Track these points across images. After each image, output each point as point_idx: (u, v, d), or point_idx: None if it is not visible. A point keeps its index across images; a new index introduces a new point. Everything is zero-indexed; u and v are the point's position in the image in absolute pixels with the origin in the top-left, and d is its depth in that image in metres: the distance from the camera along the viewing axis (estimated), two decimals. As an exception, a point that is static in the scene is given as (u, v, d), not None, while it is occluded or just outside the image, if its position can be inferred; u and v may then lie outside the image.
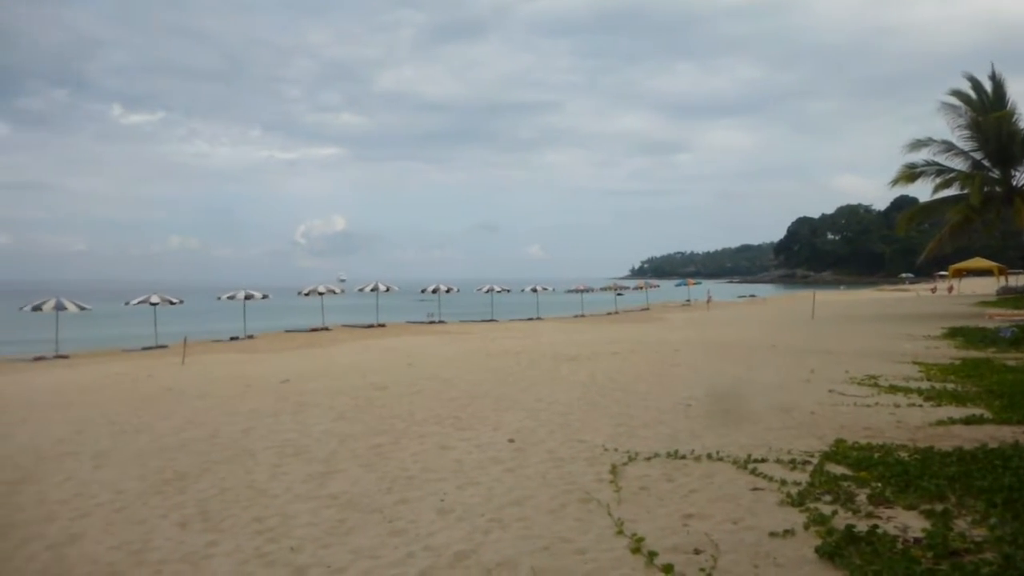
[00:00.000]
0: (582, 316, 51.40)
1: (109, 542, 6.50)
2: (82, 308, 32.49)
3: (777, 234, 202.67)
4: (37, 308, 31.24)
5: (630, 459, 8.48)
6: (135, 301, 35.02)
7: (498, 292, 51.44)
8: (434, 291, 48.60)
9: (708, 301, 66.25)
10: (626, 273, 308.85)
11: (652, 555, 5.44)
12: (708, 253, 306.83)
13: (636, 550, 5.60)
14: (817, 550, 5.34)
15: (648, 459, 8.47)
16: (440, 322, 46.31)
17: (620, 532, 6.04)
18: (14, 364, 27.20)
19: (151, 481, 8.43)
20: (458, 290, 50.87)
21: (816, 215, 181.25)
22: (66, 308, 31.11)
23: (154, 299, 34.73)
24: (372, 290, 44.92)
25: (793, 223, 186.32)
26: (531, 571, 5.36)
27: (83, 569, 5.90)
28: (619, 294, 65.37)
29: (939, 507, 6.20)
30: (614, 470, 8.03)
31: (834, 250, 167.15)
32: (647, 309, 59.28)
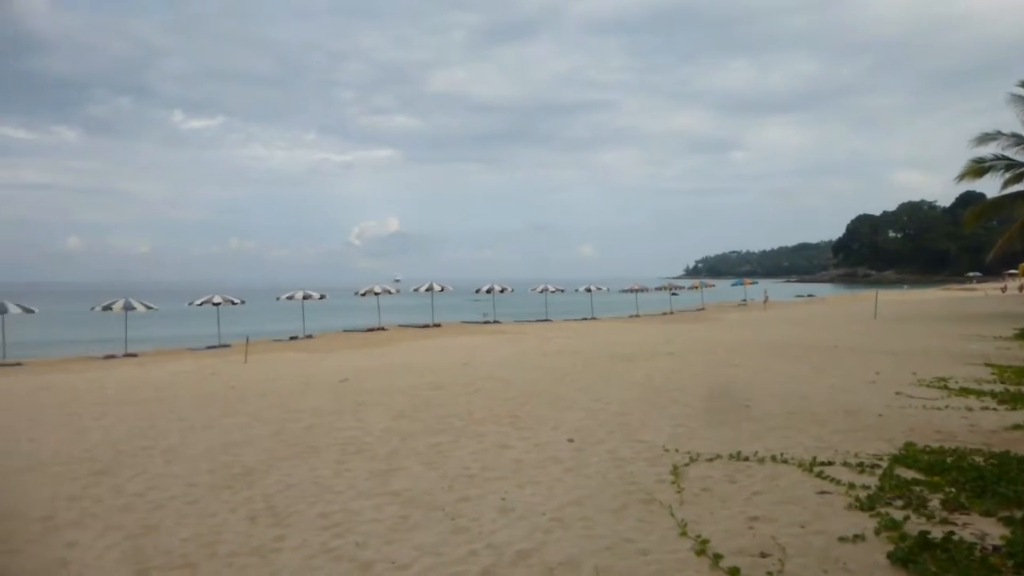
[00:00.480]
0: (637, 316, 51.03)
1: (182, 534, 6.70)
2: (149, 308, 33.51)
3: (835, 232, 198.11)
4: (107, 308, 32.34)
5: (691, 460, 8.40)
6: (198, 301, 35.98)
7: (552, 292, 51.39)
8: (488, 291, 48.80)
9: (765, 301, 65.14)
10: (680, 273, 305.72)
11: (717, 558, 5.38)
12: (764, 252, 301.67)
13: (701, 552, 5.55)
14: (889, 556, 5.21)
15: (710, 460, 8.37)
16: (495, 322, 46.50)
17: (684, 533, 5.99)
18: (87, 362, 28.25)
19: (220, 476, 8.66)
20: (512, 290, 50.98)
21: (877, 212, 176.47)
22: (134, 308, 32.14)
23: (216, 299, 35.64)
24: (427, 290, 45.33)
25: (852, 221, 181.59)
26: (594, 571, 5.35)
27: (159, 560, 6.09)
28: (674, 294, 64.70)
29: (1018, 514, 6.00)
30: (675, 471, 7.96)
31: (896, 248, 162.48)
32: (702, 309, 58.56)
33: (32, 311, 31.21)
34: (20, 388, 18.63)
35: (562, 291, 53.26)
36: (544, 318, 48.48)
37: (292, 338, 37.43)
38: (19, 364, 27.67)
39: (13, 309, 29.42)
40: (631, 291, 59.75)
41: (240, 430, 11.37)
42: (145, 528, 6.92)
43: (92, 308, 33.60)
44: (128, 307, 31.97)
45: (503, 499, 7.27)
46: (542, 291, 51.03)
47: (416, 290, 46.95)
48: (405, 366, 20.69)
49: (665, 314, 53.92)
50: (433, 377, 17.14)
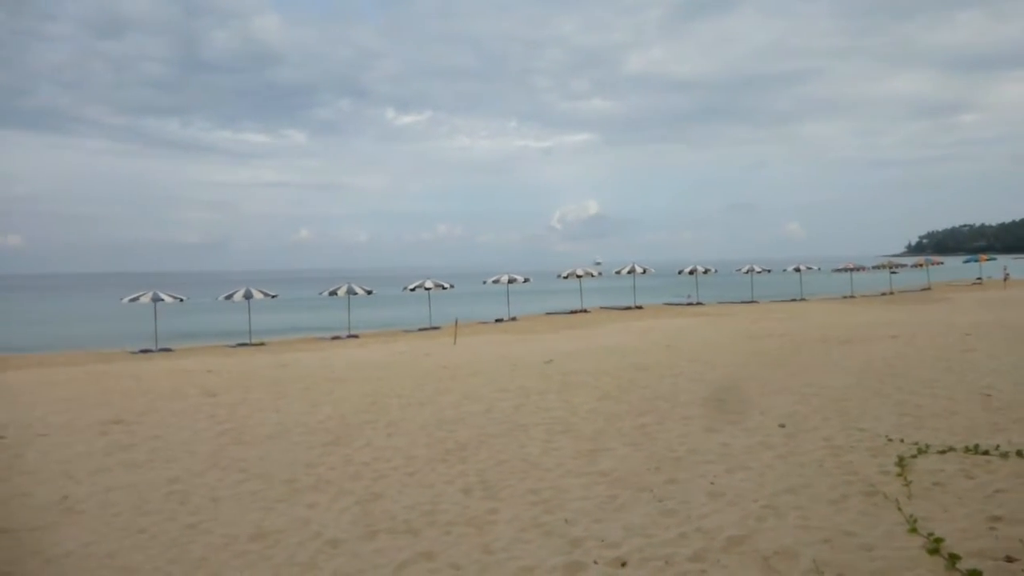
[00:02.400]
0: (851, 297, 47.72)
1: (404, 502, 7.22)
2: (369, 292, 36.07)
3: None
4: (333, 293, 35.22)
5: (920, 452, 7.75)
6: (412, 286, 38.21)
7: (758, 273, 49.31)
8: (691, 272, 47.74)
9: (1005, 279, 58.30)
10: (901, 250, 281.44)
11: (954, 558, 4.95)
12: (1003, 225, 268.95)
13: (934, 551, 5.13)
14: None
15: (941, 453, 7.69)
16: (698, 303, 45.43)
17: (913, 530, 5.56)
18: (317, 342, 31.02)
19: (436, 450, 9.20)
20: (716, 271, 49.49)
21: None
22: (356, 293, 34.75)
23: (428, 284, 37.66)
24: (629, 272, 45.13)
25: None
26: (812, 563, 5.11)
27: (384, 524, 6.60)
28: (893, 272, 59.65)
29: None
30: (901, 462, 7.39)
31: None
32: (928, 289, 53.55)
33: (274, 296, 34.67)
34: (264, 365, 20.81)
35: (768, 271, 50.94)
36: (749, 299, 46.62)
37: (498, 320, 38.79)
38: (262, 344, 30.92)
39: (257, 295, 32.86)
40: (844, 270, 55.87)
41: (453, 408, 11.99)
42: (372, 495, 7.52)
43: (320, 293, 36.74)
44: (350, 292, 34.61)
45: (712, 483, 7.14)
46: (747, 272, 49.11)
47: (618, 272, 46.88)
48: (608, 348, 20.78)
49: (884, 294, 49.96)
50: (637, 359, 17.09)
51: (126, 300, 31.50)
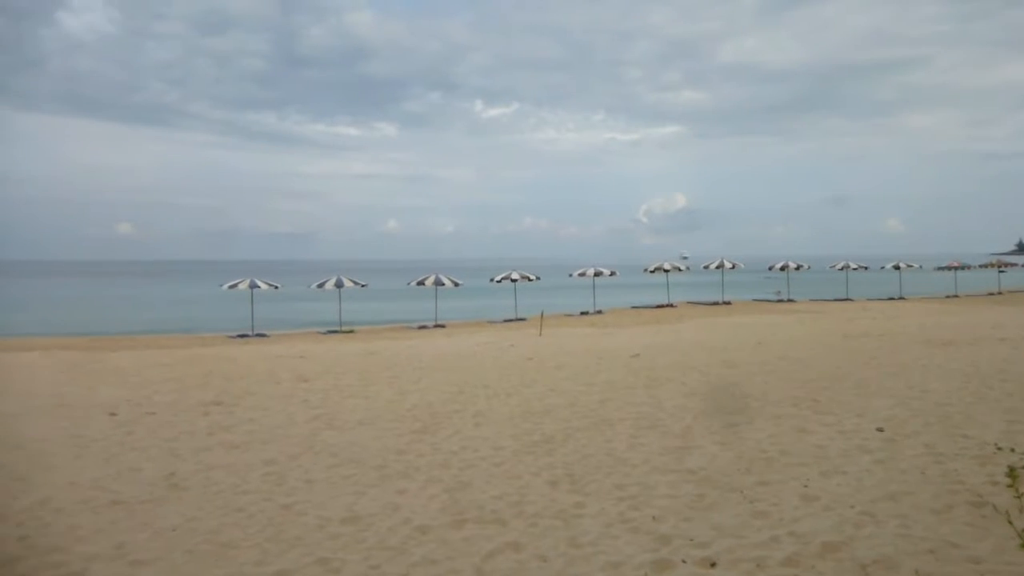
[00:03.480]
0: (955, 296, 45.46)
1: (491, 492, 7.29)
2: (456, 284, 36.51)
3: None
4: (420, 283, 35.80)
5: (1033, 462, 7.33)
6: (498, 278, 38.45)
7: (854, 269, 47.49)
8: (782, 268, 46.39)
9: None
10: (1010, 248, 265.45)
11: (1071, 575, 4.67)
12: None
13: (1049, 567, 4.85)
14: None
15: (1057, 464, 7.24)
16: (789, 300, 44.15)
17: (1025, 544, 5.26)
18: (405, 331, 31.63)
19: (523, 442, 9.26)
20: (808, 267, 47.91)
21: None
22: (443, 284, 35.22)
23: (515, 276, 37.83)
24: (717, 267, 44.20)
25: None
26: (915, 574, 4.91)
27: (472, 513, 6.69)
28: (1002, 271, 56.37)
29: None
30: (1013, 473, 6.96)
31: None
32: (1043, 289, 50.45)
33: (363, 285, 35.50)
34: (354, 353, 21.35)
35: (865, 268, 48.98)
36: (844, 297, 44.99)
37: (583, 313, 38.66)
38: (352, 332, 31.73)
39: (348, 284, 33.72)
40: (948, 268, 53.23)
41: (539, 400, 12.03)
42: (459, 484, 7.62)
43: (408, 283, 37.41)
44: (438, 283, 35.12)
45: (805, 486, 6.94)
46: (842, 268, 47.33)
47: (706, 267, 45.98)
48: (696, 343, 20.44)
49: (991, 295, 47.39)
50: (725, 355, 16.75)
51: (225, 287, 32.83)
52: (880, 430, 9.01)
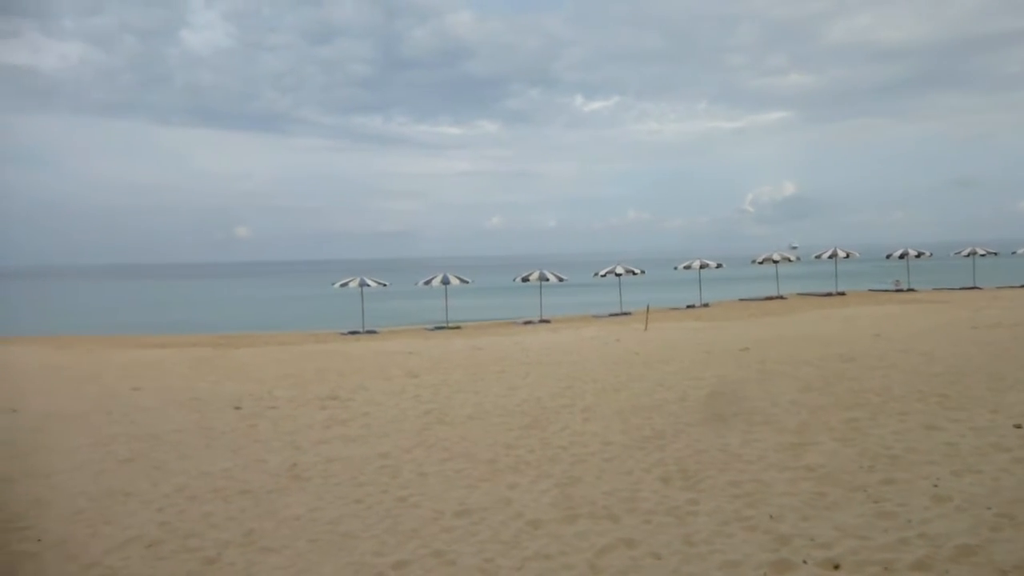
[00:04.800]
0: (1101, 283, 42.06)
1: (602, 488, 7.27)
2: (561, 280, 36.51)
3: None
4: (525, 279, 36.01)
5: None
6: (602, 272, 38.21)
7: (982, 255, 44.55)
8: (901, 256, 44.04)
9: None
10: None
11: None
12: None
13: None
14: None
15: None
16: (909, 290, 41.96)
17: None
18: (510, 326, 31.91)
19: (633, 437, 9.18)
20: (930, 254, 45.29)
21: None
22: (548, 279, 35.31)
23: (619, 270, 37.49)
24: (830, 257, 42.44)
25: None
26: (1062, 581, 4.59)
27: (584, 509, 6.69)
28: None
29: None
30: None
31: None
32: None
33: (468, 282, 36.05)
34: (461, 348, 21.72)
35: (995, 254, 45.84)
36: (971, 285, 42.36)
37: (689, 306, 37.97)
38: (458, 328, 32.27)
39: (454, 281, 34.31)
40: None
41: (647, 394, 11.90)
42: (570, 479, 7.64)
43: (513, 279, 37.70)
44: (542, 278, 35.24)
45: (935, 486, 6.58)
46: (968, 254, 44.44)
47: (817, 257, 44.23)
48: (809, 336, 19.73)
49: None
50: (841, 348, 16.08)
51: (337, 285, 34.00)
52: (1018, 427, 8.44)
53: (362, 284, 33.04)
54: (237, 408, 12.37)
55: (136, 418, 11.83)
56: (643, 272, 38.59)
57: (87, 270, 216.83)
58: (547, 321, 33.51)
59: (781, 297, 40.45)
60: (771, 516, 6.14)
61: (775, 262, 41.81)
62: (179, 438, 10.33)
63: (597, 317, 34.79)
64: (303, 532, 6.50)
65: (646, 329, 25.36)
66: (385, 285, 34.79)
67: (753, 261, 43.54)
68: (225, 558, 5.98)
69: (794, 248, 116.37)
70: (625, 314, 34.91)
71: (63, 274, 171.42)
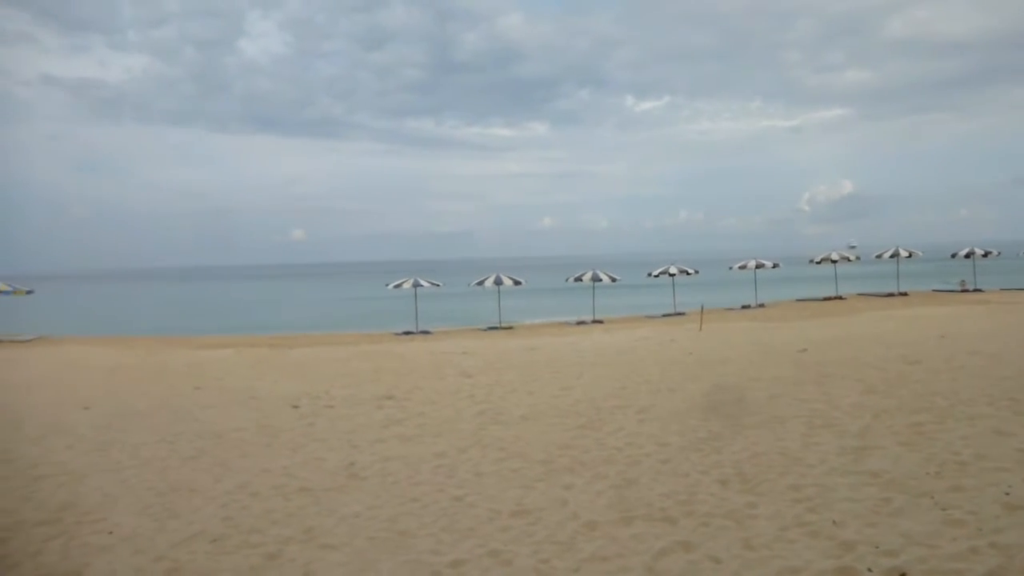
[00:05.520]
0: None
1: (659, 489, 7.20)
2: (613, 280, 36.30)
3: None
4: (578, 280, 35.87)
5: None
6: (655, 272, 37.87)
7: (1053, 254, 42.88)
8: (967, 255, 42.61)
9: None
10: None
11: None
12: None
13: None
14: None
15: None
16: (976, 290, 40.60)
17: None
18: (562, 327, 31.83)
19: (689, 438, 9.07)
20: (998, 253, 43.73)
21: None
22: (600, 279, 35.13)
23: (672, 270, 37.12)
24: (891, 256, 41.28)
25: None
26: None
27: (640, 511, 6.63)
28: None
29: None
30: None
31: None
32: None
33: (521, 282, 36.08)
34: (514, 349, 21.75)
35: (1067, 253, 44.06)
36: (1043, 285, 40.79)
37: (744, 307, 37.38)
38: (511, 328, 32.33)
39: (507, 282, 34.37)
40: None
41: (703, 395, 11.75)
42: (625, 480, 7.59)
43: (566, 280, 37.60)
44: (595, 278, 35.07)
45: (1007, 493, 6.35)
46: (1039, 253, 42.86)
47: (878, 256, 43.06)
48: (870, 337, 19.23)
49: None
50: (905, 350, 15.63)
51: (390, 286, 34.37)
52: (1095, 433, 8.10)
53: (416, 285, 33.33)
54: (295, 407, 12.60)
55: (199, 416, 12.14)
56: (697, 272, 38.11)
57: (150, 273, 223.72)
58: (600, 321, 33.35)
59: (840, 297, 39.54)
60: (834, 522, 6.01)
61: (834, 262, 40.88)
62: (240, 436, 10.57)
63: (650, 318, 34.49)
64: (361, 530, 6.58)
65: (701, 329, 25.04)
66: (438, 286, 35.03)
67: (811, 261, 42.61)
68: (286, 554, 6.10)
69: (853, 247, 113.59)
70: (679, 314, 34.53)
71: (128, 277, 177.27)
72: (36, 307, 49.12)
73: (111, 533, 6.70)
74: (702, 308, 30.16)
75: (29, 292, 33.92)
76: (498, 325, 33.31)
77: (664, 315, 34.99)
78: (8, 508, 7.53)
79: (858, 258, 45.18)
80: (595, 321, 33.47)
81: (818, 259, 41.76)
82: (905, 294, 39.67)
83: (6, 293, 31.96)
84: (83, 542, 6.51)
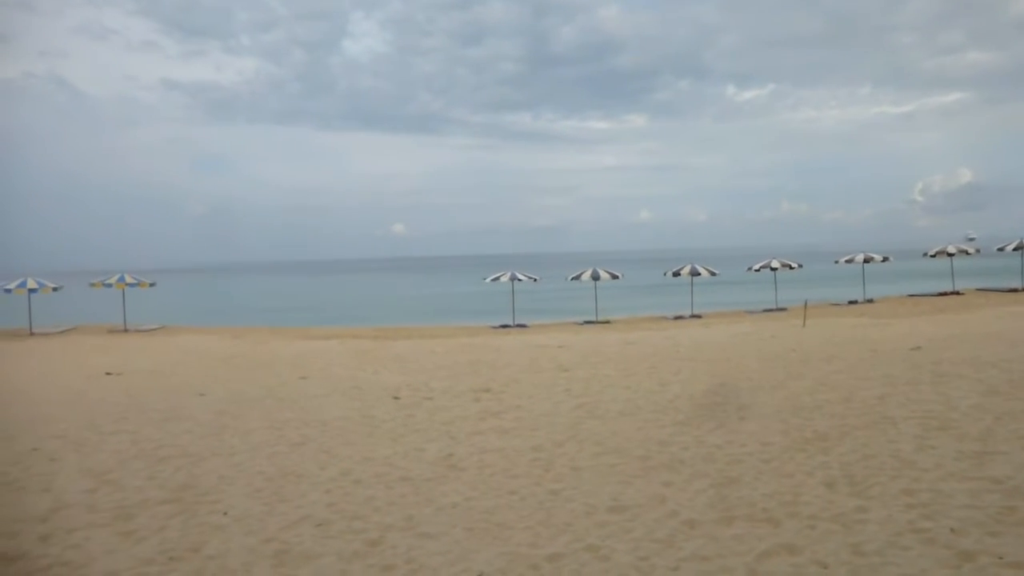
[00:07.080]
0: None
1: (762, 490, 7.00)
2: (712, 273, 35.51)
3: None
4: (676, 273, 35.29)
5: None
6: (757, 267, 36.81)
7: None
8: (1103, 248, 39.52)
9: None
10: None
11: None
12: None
13: None
14: None
15: None
16: (1112, 285, 37.64)
17: None
18: (660, 321, 31.44)
19: (793, 438, 8.79)
20: None
21: None
22: (699, 273, 34.45)
23: (774, 264, 35.98)
24: (1015, 249, 38.74)
25: None
26: None
27: (742, 511, 6.47)
28: None
29: None
30: None
31: None
32: None
33: (618, 276, 35.78)
34: (611, 343, 21.60)
35: None
36: None
37: (851, 302, 35.86)
38: (608, 322, 32.12)
39: (604, 276, 34.14)
40: None
41: (808, 394, 11.35)
42: (726, 479, 7.41)
43: (664, 274, 37.05)
44: (693, 272, 34.40)
45: None
46: None
47: (1000, 249, 40.47)
48: (991, 335, 18.11)
49: None
50: (1030, 350, 14.66)
51: (488, 280, 34.70)
52: None
53: (513, 279, 33.51)
54: (396, 398, 12.91)
55: (305, 405, 12.61)
56: (800, 266, 36.82)
57: (260, 267, 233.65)
58: (698, 316, 32.71)
59: (957, 293, 37.41)
60: (952, 530, 5.70)
61: (950, 255, 38.66)
62: (343, 425, 10.92)
63: (750, 313, 33.56)
64: (460, 520, 6.68)
65: (804, 325, 24.20)
66: (535, 280, 35.10)
67: (925, 254, 40.45)
68: (387, 541, 6.26)
69: (971, 240, 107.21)
70: (780, 310, 33.47)
71: (240, 270, 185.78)
72: (158, 299, 52.19)
73: (226, 514, 7.05)
74: (805, 303, 29.13)
75: (152, 284, 36.07)
76: (595, 319, 33.13)
77: (765, 310, 33.99)
78: (136, 486, 8.02)
79: (978, 251, 42.61)
80: (693, 316, 32.85)
81: (933, 252, 39.58)
82: (1030, 289, 37.18)
83: (132, 285, 34.07)
84: (201, 521, 6.87)
